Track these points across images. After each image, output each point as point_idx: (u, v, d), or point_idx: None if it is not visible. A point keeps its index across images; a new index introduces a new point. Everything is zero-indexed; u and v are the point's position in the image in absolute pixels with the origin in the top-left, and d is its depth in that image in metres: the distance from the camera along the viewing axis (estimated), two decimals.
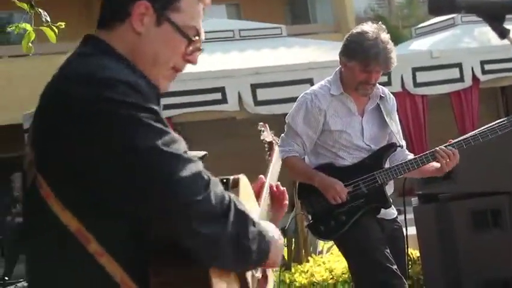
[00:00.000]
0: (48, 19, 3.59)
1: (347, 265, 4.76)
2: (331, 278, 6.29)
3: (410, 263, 5.82)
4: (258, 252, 1.87)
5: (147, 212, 1.78)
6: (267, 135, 3.20)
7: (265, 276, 2.14)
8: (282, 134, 4.56)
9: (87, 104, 1.79)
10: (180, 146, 1.83)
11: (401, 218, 4.68)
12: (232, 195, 1.87)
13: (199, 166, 1.82)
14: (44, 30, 3.64)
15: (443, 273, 5.48)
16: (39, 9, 3.64)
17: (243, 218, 1.85)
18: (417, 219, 5.65)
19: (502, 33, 1.55)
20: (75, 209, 1.81)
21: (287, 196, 2.39)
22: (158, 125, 1.81)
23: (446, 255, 5.48)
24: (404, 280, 4.35)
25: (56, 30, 3.62)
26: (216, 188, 1.82)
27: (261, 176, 2.37)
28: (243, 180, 2.10)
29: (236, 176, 2.08)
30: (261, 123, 3.38)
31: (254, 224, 1.87)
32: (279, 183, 2.44)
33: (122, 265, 1.81)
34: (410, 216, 5.52)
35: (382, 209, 4.46)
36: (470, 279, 5.42)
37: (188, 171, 1.77)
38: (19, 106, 14.08)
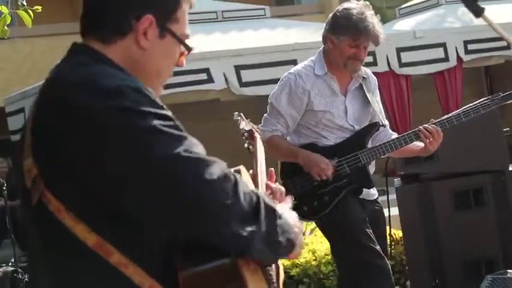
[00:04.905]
0: (25, 2, 3.54)
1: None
2: (314, 260, 6.29)
3: (392, 243, 5.82)
4: (287, 244, 1.85)
5: (178, 221, 1.72)
6: (245, 124, 3.05)
7: (277, 265, 2.14)
8: (265, 114, 4.55)
9: (99, 116, 1.71)
10: (199, 148, 1.76)
11: (383, 198, 4.68)
12: (258, 191, 1.82)
13: (223, 166, 1.76)
14: (20, 14, 3.57)
15: (426, 254, 5.49)
16: None
17: (271, 213, 1.81)
18: (400, 200, 5.66)
19: (477, 12, 1.55)
20: (91, 222, 1.74)
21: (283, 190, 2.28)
22: (176, 132, 1.74)
23: (428, 235, 5.50)
24: (387, 260, 4.37)
25: (32, 14, 3.56)
26: (243, 186, 1.76)
27: (251, 171, 2.26)
28: (243, 171, 2.06)
29: (237, 168, 2.02)
30: (236, 112, 3.29)
31: (280, 216, 1.84)
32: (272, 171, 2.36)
33: (149, 272, 1.74)
34: (393, 196, 5.53)
35: (364, 190, 4.46)
36: (453, 259, 5.44)
37: (215, 174, 1.71)
38: (0, 89, 13.98)
